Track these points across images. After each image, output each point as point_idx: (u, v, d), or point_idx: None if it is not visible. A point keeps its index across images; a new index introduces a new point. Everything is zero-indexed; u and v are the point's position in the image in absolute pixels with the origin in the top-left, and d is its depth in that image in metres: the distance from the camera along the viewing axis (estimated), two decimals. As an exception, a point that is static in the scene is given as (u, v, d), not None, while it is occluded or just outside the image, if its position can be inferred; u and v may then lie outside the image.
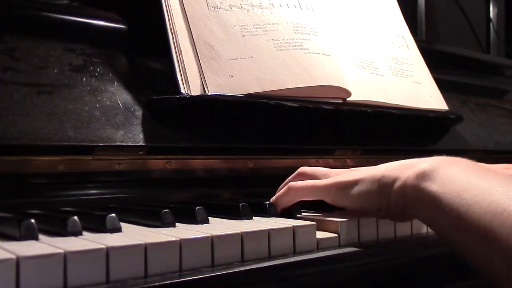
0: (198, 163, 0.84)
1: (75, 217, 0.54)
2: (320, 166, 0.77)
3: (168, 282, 0.48)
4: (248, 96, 0.83)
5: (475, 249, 0.55)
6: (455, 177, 0.58)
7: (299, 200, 0.72)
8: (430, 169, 0.59)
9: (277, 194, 0.74)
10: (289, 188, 0.72)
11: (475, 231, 0.54)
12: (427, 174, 0.59)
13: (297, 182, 0.72)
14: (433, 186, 0.58)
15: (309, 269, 0.59)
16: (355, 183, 0.67)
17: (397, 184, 0.62)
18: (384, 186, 0.64)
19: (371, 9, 1.13)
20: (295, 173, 0.76)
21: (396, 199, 0.63)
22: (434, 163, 0.60)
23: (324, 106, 0.92)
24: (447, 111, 1.14)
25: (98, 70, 0.78)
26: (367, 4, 1.12)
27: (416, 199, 0.60)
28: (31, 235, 0.51)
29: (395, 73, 1.08)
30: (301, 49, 0.90)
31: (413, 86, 1.10)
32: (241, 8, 0.89)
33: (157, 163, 0.80)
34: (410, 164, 0.62)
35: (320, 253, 0.61)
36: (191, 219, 0.62)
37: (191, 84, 0.80)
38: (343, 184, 0.68)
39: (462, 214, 0.55)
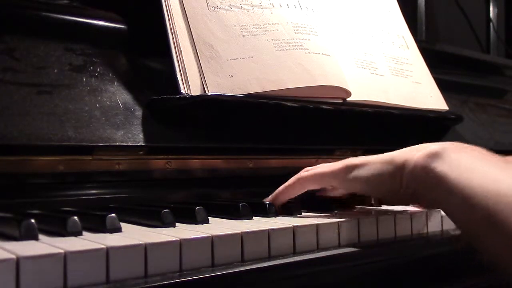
0: (198, 163, 0.84)
1: (75, 217, 0.54)
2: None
3: (168, 282, 0.48)
4: (248, 96, 0.83)
5: (480, 230, 0.56)
6: (462, 160, 0.60)
7: (307, 189, 0.72)
8: (439, 151, 0.61)
9: (284, 184, 0.73)
10: (298, 178, 0.72)
11: (480, 212, 0.55)
12: (437, 154, 0.61)
13: (305, 173, 0.73)
14: (442, 166, 0.60)
15: (309, 269, 0.59)
16: (363, 165, 0.68)
17: (408, 165, 0.64)
18: (394, 167, 0.65)
19: (371, 9, 1.13)
20: (301, 171, 0.75)
21: (408, 181, 0.64)
22: (443, 145, 0.62)
23: (324, 106, 0.92)
24: (447, 111, 1.14)
25: (98, 70, 0.78)
26: (367, 4, 1.12)
27: (426, 179, 0.61)
28: (31, 235, 0.51)
29: (395, 73, 1.07)
30: (301, 49, 0.90)
31: (413, 86, 1.09)
32: (241, 8, 0.89)
33: (157, 163, 0.80)
34: (420, 147, 0.64)
35: (320, 253, 0.61)
36: (191, 219, 0.62)
37: (191, 84, 0.80)
38: (352, 166, 0.69)
39: (468, 195, 0.56)
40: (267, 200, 0.73)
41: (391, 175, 0.65)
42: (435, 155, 0.61)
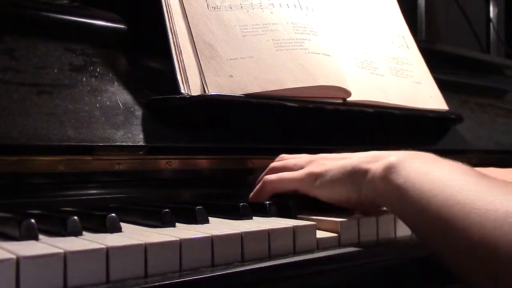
0: (198, 163, 0.84)
1: (75, 217, 0.54)
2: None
3: (168, 282, 0.48)
4: (248, 96, 0.83)
5: (435, 240, 0.58)
6: (418, 170, 0.61)
7: (274, 193, 0.74)
8: (396, 162, 0.63)
9: (254, 190, 0.76)
10: (264, 182, 0.75)
11: (434, 222, 0.56)
12: (394, 167, 0.62)
13: (271, 175, 0.75)
14: (399, 179, 0.61)
15: (309, 269, 0.59)
16: (326, 173, 0.70)
17: (368, 176, 0.65)
18: (355, 177, 0.67)
19: (371, 9, 1.13)
20: (266, 169, 0.78)
21: (367, 191, 0.66)
22: (400, 156, 0.64)
23: (324, 106, 0.92)
24: (447, 111, 1.14)
25: (98, 70, 0.78)
26: (367, 4, 1.12)
27: (384, 191, 0.63)
28: (31, 235, 0.51)
29: (395, 73, 1.08)
30: (301, 49, 0.90)
31: (413, 86, 1.10)
32: (241, 8, 0.89)
33: (157, 163, 0.80)
34: (379, 157, 0.66)
35: (320, 253, 0.61)
36: (191, 219, 0.62)
37: (191, 84, 0.80)
38: (315, 174, 0.71)
39: (423, 206, 0.58)
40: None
41: (350, 184, 0.68)
42: (392, 167, 0.62)
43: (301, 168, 0.74)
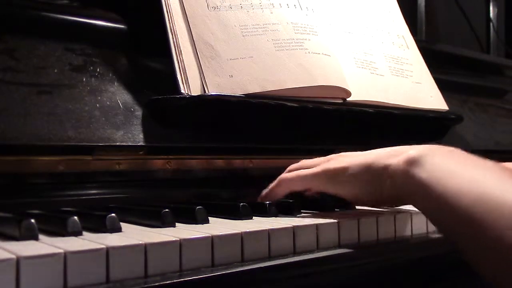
0: (198, 163, 0.84)
1: (75, 217, 0.54)
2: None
3: (168, 282, 0.48)
4: (248, 96, 0.82)
5: (464, 240, 0.55)
6: (442, 165, 0.59)
7: (290, 190, 0.73)
8: (419, 156, 0.61)
9: (269, 186, 0.75)
10: (280, 180, 0.74)
11: (464, 222, 0.54)
12: (416, 160, 0.60)
13: (287, 174, 0.74)
14: (422, 173, 0.59)
15: (309, 269, 0.59)
16: (344, 170, 0.68)
17: (388, 171, 0.64)
18: (374, 173, 0.65)
19: (371, 9, 1.13)
20: (285, 171, 0.77)
21: (388, 187, 0.64)
22: (422, 149, 0.62)
23: (324, 106, 0.92)
24: (447, 111, 1.14)
25: (98, 70, 0.78)
26: (367, 4, 1.12)
27: (407, 186, 0.61)
28: (31, 235, 0.51)
29: (395, 73, 1.07)
30: (301, 49, 0.90)
31: (413, 86, 1.09)
32: (241, 8, 0.89)
33: (157, 163, 0.80)
34: (400, 151, 0.64)
35: (320, 253, 0.61)
36: (191, 219, 0.62)
37: (191, 84, 0.80)
38: (332, 171, 0.69)
39: (451, 204, 0.55)
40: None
41: (370, 181, 0.66)
42: (414, 162, 0.60)
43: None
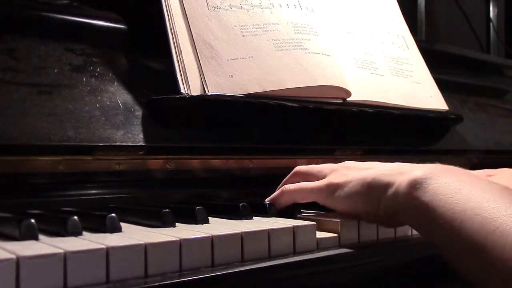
0: (198, 163, 0.84)
1: (75, 217, 0.54)
2: (320, 167, 0.77)
3: (168, 282, 0.48)
4: (248, 96, 0.83)
5: (468, 265, 0.54)
6: (447, 188, 0.56)
7: (292, 202, 0.72)
8: (423, 178, 0.58)
9: (271, 196, 0.74)
10: (283, 191, 0.73)
11: (468, 248, 0.52)
12: (420, 182, 0.58)
13: (290, 184, 0.73)
14: (426, 196, 0.57)
15: (309, 269, 0.59)
16: (345, 184, 0.67)
17: (390, 190, 0.61)
18: (374, 190, 0.63)
19: (371, 9, 1.13)
20: (291, 173, 0.76)
21: (387, 205, 0.62)
22: (426, 171, 0.59)
23: (324, 106, 0.92)
24: (447, 111, 1.14)
25: (98, 70, 0.78)
26: (367, 4, 1.12)
27: (409, 208, 0.59)
28: (31, 235, 0.51)
29: (395, 73, 1.08)
30: (301, 49, 0.90)
31: (413, 86, 1.10)
32: (241, 8, 0.89)
33: (157, 163, 0.80)
34: (403, 170, 0.61)
35: (320, 253, 0.61)
36: (191, 219, 0.62)
37: (191, 84, 0.80)
38: (334, 186, 0.68)
39: (455, 229, 0.54)
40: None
41: (369, 197, 0.64)
42: (419, 183, 0.58)
43: (325, 176, 0.71)
